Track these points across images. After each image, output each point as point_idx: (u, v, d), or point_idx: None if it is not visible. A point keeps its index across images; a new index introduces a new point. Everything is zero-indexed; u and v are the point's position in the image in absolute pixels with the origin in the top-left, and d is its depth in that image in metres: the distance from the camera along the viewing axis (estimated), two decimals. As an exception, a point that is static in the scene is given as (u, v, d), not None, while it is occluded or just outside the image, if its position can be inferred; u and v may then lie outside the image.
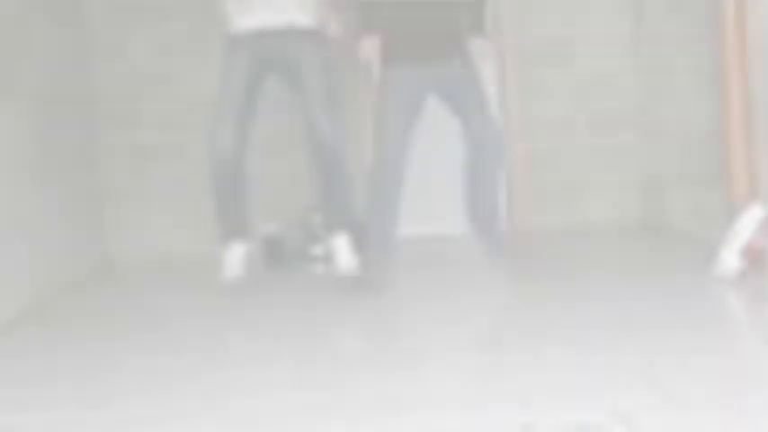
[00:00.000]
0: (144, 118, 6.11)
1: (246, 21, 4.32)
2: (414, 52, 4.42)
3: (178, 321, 4.17)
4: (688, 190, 5.17)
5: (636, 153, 6.12)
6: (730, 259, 3.94)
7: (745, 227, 3.97)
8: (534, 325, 3.53)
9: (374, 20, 4.44)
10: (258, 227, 5.90)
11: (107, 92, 6.06)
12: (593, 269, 4.64)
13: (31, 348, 3.84)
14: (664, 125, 5.55)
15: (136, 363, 3.41)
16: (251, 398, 2.87)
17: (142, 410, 2.81)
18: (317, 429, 2.53)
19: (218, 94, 4.33)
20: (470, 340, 3.42)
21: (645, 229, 5.84)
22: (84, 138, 5.80)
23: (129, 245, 6.10)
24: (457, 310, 4.02)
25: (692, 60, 4.95)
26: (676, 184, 5.38)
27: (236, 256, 4.34)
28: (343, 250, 4.52)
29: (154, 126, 6.10)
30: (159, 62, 6.06)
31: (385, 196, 4.42)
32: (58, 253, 5.04)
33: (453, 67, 4.49)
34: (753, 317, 3.54)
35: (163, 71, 6.06)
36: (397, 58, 4.42)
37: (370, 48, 4.38)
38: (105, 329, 4.10)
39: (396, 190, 4.44)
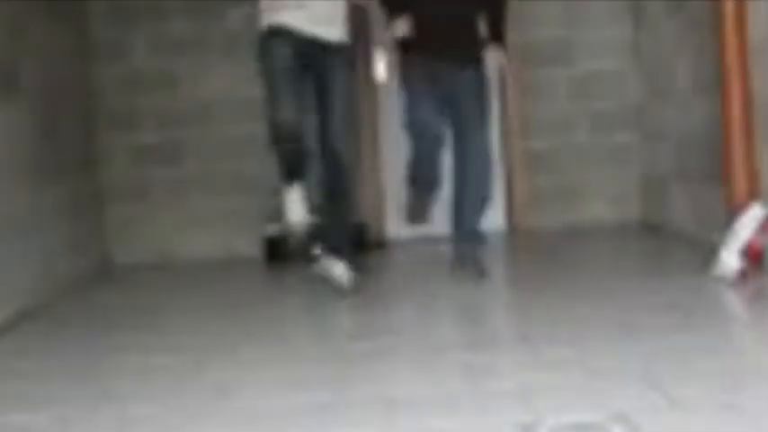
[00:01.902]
0: (144, 118, 6.10)
1: (282, 18, 4.28)
2: (435, 48, 4.43)
3: (178, 321, 4.17)
4: (688, 190, 5.17)
5: (636, 153, 6.11)
6: (730, 259, 3.94)
7: (745, 227, 3.97)
8: (534, 325, 3.53)
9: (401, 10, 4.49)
10: (260, 227, 5.89)
11: (107, 92, 6.06)
12: (592, 269, 4.64)
13: (31, 348, 3.84)
14: (664, 125, 5.55)
15: (136, 362, 3.41)
16: (251, 398, 2.87)
17: (142, 410, 2.81)
18: (317, 429, 2.53)
19: (267, 78, 4.28)
20: (470, 340, 3.42)
21: (645, 229, 5.84)
22: (84, 137, 5.79)
23: (129, 245, 6.09)
24: (457, 310, 4.02)
25: (692, 60, 4.95)
26: (676, 184, 5.38)
27: (296, 198, 4.32)
28: (339, 267, 4.50)
29: (154, 126, 6.10)
30: (159, 62, 6.06)
31: (421, 143, 4.50)
32: (58, 253, 5.04)
33: (467, 76, 4.51)
34: (753, 317, 3.55)
35: (163, 71, 6.06)
36: (418, 48, 4.45)
37: (403, 25, 4.41)
38: (105, 329, 4.10)
39: (432, 137, 4.48)
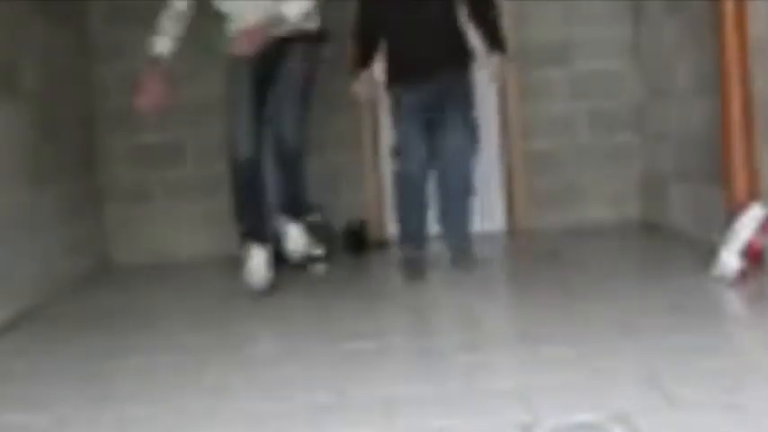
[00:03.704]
0: (144, 118, 6.09)
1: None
2: (417, 71, 4.50)
3: (178, 321, 4.17)
4: (688, 190, 5.17)
5: (636, 153, 6.11)
6: (730, 259, 3.94)
7: (745, 227, 3.96)
8: (534, 325, 3.53)
9: (375, 34, 4.56)
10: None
11: (107, 92, 6.05)
12: (592, 269, 4.64)
13: (30, 348, 3.84)
14: (664, 125, 5.55)
15: (136, 362, 3.41)
16: (251, 398, 2.87)
17: (142, 410, 2.81)
18: (317, 429, 2.53)
19: (229, 97, 4.40)
20: (470, 340, 3.42)
21: (645, 230, 5.84)
22: (84, 138, 5.79)
23: (128, 245, 6.09)
24: (457, 309, 4.02)
25: (692, 60, 4.95)
26: (676, 184, 5.38)
27: (258, 262, 4.37)
28: (293, 233, 4.76)
29: (154, 127, 6.10)
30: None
31: (410, 203, 4.65)
32: (58, 253, 5.04)
33: (452, 82, 4.58)
34: (753, 317, 3.54)
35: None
36: (400, 78, 4.55)
37: (365, 84, 4.58)
38: (105, 329, 4.10)
39: (420, 196, 4.64)
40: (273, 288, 4.45)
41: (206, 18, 4.69)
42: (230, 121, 4.42)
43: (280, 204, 4.79)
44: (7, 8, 4.51)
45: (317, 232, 5.65)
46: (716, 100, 4.47)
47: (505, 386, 2.75)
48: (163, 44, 4.45)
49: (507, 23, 6.10)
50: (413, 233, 4.72)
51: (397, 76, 4.59)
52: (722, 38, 4.22)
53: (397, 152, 4.61)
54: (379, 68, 4.80)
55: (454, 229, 4.75)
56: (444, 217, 4.76)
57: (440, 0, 4.54)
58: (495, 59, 4.53)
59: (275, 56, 4.42)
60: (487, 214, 6.10)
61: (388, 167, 6.14)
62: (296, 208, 4.74)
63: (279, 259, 5.26)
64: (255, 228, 4.45)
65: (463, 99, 4.62)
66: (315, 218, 5.69)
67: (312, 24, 4.54)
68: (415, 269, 4.64)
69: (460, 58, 4.63)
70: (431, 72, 4.50)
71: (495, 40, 4.53)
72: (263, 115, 4.45)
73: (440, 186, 4.69)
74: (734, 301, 3.73)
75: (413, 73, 4.51)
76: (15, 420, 2.81)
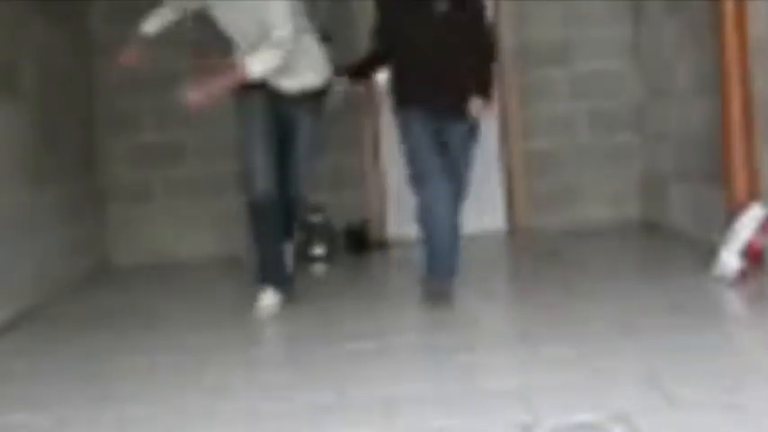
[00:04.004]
0: (144, 119, 6.10)
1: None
2: (425, 100, 4.22)
3: (178, 322, 4.17)
4: (688, 190, 5.17)
5: (636, 153, 6.11)
6: (730, 259, 3.94)
7: (745, 227, 3.96)
8: (534, 325, 3.53)
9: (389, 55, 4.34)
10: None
11: (107, 92, 6.06)
12: (592, 269, 4.64)
13: (30, 348, 3.84)
14: (664, 125, 5.55)
15: (136, 362, 3.41)
16: (251, 398, 2.87)
17: (142, 410, 2.81)
18: (317, 429, 2.53)
19: (244, 131, 4.31)
20: (470, 340, 3.42)
21: (645, 229, 5.84)
22: (84, 138, 5.79)
23: (128, 245, 6.09)
24: (457, 310, 4.02)
25: (692, 60, 4.95)
26: (676, 184, 5.38)
27: (269, 304, 4.27)
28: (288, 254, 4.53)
29: (154, 126, 6.10)
30: (159, 62, 6.05)
31: (441, 237, 4.18)
32: (58, 253, 5.04)
33: (458, 125, 4.28)
34: (753, 317, 3.54)
35: (163, 72, 6.05)
36: (408, 102, 4.26)
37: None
38: (105, 329, 4.10)
39: (450, 228, 4.20)
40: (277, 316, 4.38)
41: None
42: (246, 156, 4.30)
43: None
44: (7, 8, 4.51)
45: (318, 232, 5.66)
46: (716, 100, 4.47)
47: (505, 386, 2.75)
48: (150, 26, 4.52)
49: (507, 23, 6.12)
50: (444, 267, 4.22)
51: (409, 99, 4.27)
52: (722, 38, 4.22)
53: (417, 180, 4.27)
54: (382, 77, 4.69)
55: (439, 269, 4.23)
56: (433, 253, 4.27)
57: (464, 36, 4.27)
58: (479, 102, 4.21)
59: (285, 110, 4.33)
60: (487, 214, 6.10)
61: (387, 168, 6.15)
62: (290, 230, 4.53)
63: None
64: (271, 271, 4.30)
65: (467, 140, 4.35)
66: (316, 218, 5.70)
67: (318, 78, 4.37)
68: (439, 296, 4.18)
69: (463, 104, 4.28)
70: (442, 102, 4.22)
71: (485, 90, 4.26)
72: (276, 151, 4.35)
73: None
74: (734, 301, 3.73)
75: (426, 98, 4.22)
76: (16, 420, 2.81)
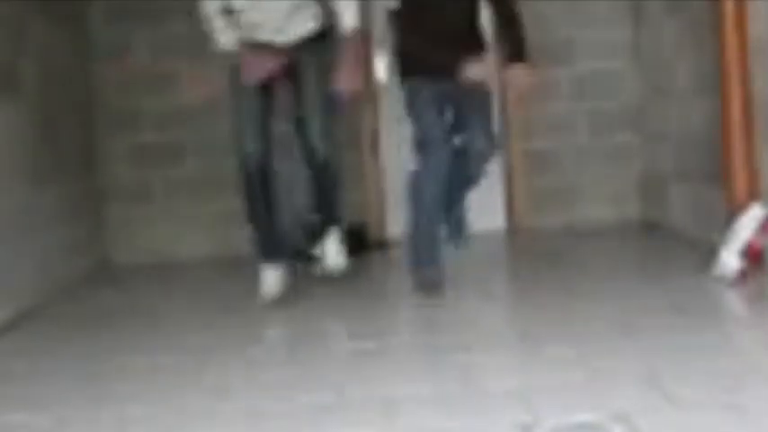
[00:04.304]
0: (144, 118, 6.10)
1: (252, 37, 4.24)
2: (436, 66, 4.23)
3: (178, 321, 4.17)
4: (688, 190, 5.17)
5: (636, 153, 6.11)
6: (730, 259, 3.94)
7: (745, 227, 3.97)
8: (534, 325, 3.53)
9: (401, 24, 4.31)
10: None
11: (107, 92, 6.06)
12: (592, 269, 4.64)
13: (31, 348, 3.84)
14: (664, 125, 5.55)
15: (136, 362, 3.41)
16: (251, 398, 2.87)
17: (142, 410, 2.81)
18: (317, 429, 2.53)
19: (234, 104, 4.29)
20: (470, 340, 3.42)
21: (645, 229, 5.84)
22: (84, 138, 5.79)
23: (128, 245, 6.09)
24: (457, 310, 4.02)
25: (692, 60, 4.95)
26: (676, 184, 5.38)
27: (268, 281, 4.30)
28: (332, 248, 4.47)
29: (154, 126, 6.10)
30: (159, 62, 6.06)
31: (430, 211, 4.30)
32: (58, 253, 5.04)
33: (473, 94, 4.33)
34: (753, 317, 3.54)
35: (163, 71, 6.06)
36: (418, 71, 4.28)
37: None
38: (105, 329, 4.10)
39: (437, 201, 4.29)
40: (283, 299, 4.38)
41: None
42: (236, 123, 4.31)
43: (317, 219, 4.56)
44: (7, 8, 4.51)
45: (316, 232, 5.65)
46: (716, 100, 4.47)
47: (505, 386, 2.75)
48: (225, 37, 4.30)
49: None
50: (427, 246, 4.33)
51: (416, 69, 4.29)
52: (722, 38, 4.22)
53: (422, 146, 4.31)
54: (382, 66, 4.73)
55: (454, 216, 4.62)
56: (448, 206, 4.51)
57: (466, 3, 4.36)
58: (520, 68, 4.28)
59: (292, 59, 4.26)
60: (487, 214, 6.10)
61: (387, 168, 6.15)
62: (333, 219, 4.45)
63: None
64: (266, 246, 4.31)
65: (484, 101, 4.41)
66: (314, 218, 5.69)
67: (313, 24, 4.36)
68: (431, 285, 4.31)
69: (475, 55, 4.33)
70: (454, 69, 4.19)
71: (520, 50, 4.32)
72: (270, 120, 4.32)
73: (453, 180, 4.39)
74: (734, 301, 3.73)
75: (436, 67, 4.23)
76: (16, 420, 2.81)
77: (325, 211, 4.45)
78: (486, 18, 4.66)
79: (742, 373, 2.70)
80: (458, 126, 4.44)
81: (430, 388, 2.81)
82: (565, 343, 3.18)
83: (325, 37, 4.35)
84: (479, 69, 4.18)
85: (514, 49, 4.31)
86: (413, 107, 4.32)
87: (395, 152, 6.05)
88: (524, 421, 2.41)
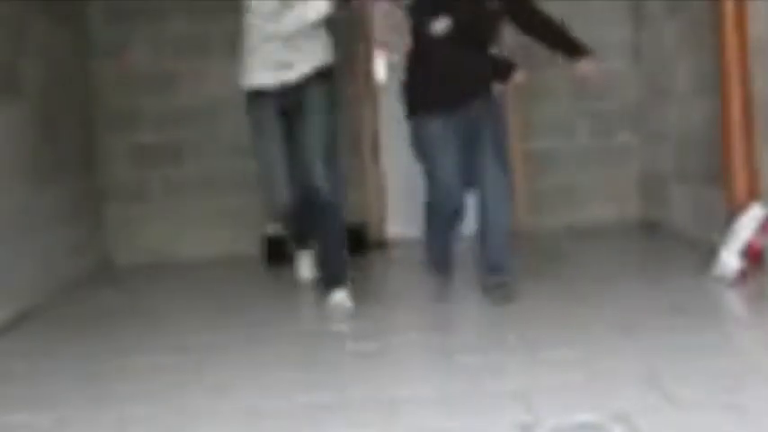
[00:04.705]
0: (144, 118, 6.10)
1: (266, 78, 4.22)
2: (444, 101, 4.10)
3: (178, 321, 4.17)
4: (688, 190, 5.17)
5: (636, 153, 6.11)
6: (730, 259, 3.94)
7: (745, 227, 3.97)
8: (534, 325, 3.53)
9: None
10: (261, 227, 5.89)
11: (107, 92, 6.06)
12: (592, 269, 4.64)
13: (31, 348, 3.84)
14: (664, 125, 5.55)
15: (136, 362, 3.41)
16: (251, 398, 2.87)
17: (142, 410, 2.81)
18: (317, 429, 2.53)
19: (258, 145, 4.28)
20: (470, 340, 3.42)
21: (645, 230, 5.84)
22: (84, 138, 5.79)
23: (128, 245, 6.09)
24: (457, 310, 4.02)
25: (692, 60, 4.95)
26: (676, 184, 5.38)
27: (305, 262, 4.78)
28: (338, 302, 4.23)
29: (154, 126, 6.10)
30: (159, 62, 6.06)
31: (439, 224, 4.36)
32: (58, 253, 5.04)
33: (479, 110, 4.14)
34: (753, 317, 3.55)
35: (163, 71, 6.06)
36: (426, 107, 4.12)
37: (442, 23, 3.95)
38: (105, 329, 4.10)
39: (451, 218, 4.27)
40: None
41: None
42: (262, 168, 4.27)
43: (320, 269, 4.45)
44: (7, 8, 4.51)
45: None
46: (716, 100, 4.47)
47: (506, 387, 2.75)
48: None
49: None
50: (436, 257, 4.49)
51: (424, 105, 4.14)
52: (722, 38, 4.22)
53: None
54: (382, 65, 4.70)
55: (492, 260, 4.15)
56: (482, 245, 4.18)
57: (489, 22, 4.21)
58: (585, 63, 4.24)
59: (294, 98, 4.24)
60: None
61: (387, 168, 6.15)
62: (339, 272, 4.27)
63: (281, 261, 5.26)
64: (299, 236, 4.70)
65: (496, 127, 4.19)
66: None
67: (324, 57, 4.29)
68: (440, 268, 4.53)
69: (490, 83, 4.24)
70: (464, 100, 4.10)
71: (573, 45, 4.29)
72: (290, 156, 4.27)
73: (481, 219, 4.15)
74: (734, 301, 3.74)
75: (446, 101, 4.09)
76: (16, 420, 2.81)
77: (332, 267, 4.27)
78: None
79: (742, 373, 2.70)
80: (470, 156, 4.17)
81: (430, 388, 2.81)
82: (565, 343, 3.18)
83: (330, 74, 4.32)
84: (521, 75, 4.15)
85: (569, 46, 4.29)
86: (420, 148, 4.19)
87: (395, 153, 6.05)
88: (524, 421, 2.41)
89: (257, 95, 4.24)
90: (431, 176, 4.17)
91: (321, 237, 4.29)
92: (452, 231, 4.42)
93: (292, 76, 4.21)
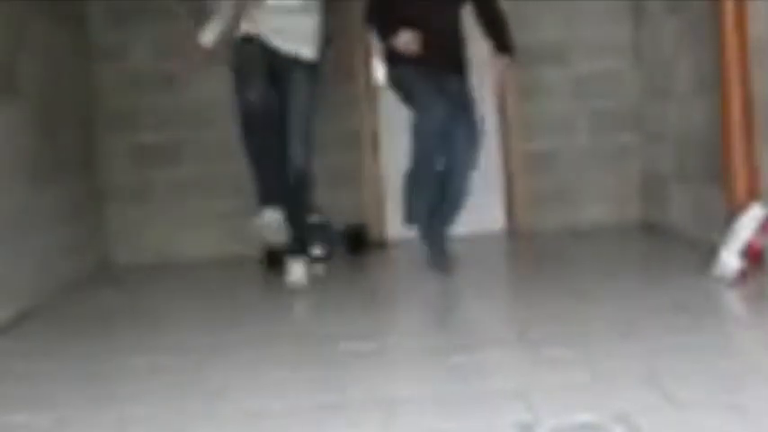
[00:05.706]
0: (144, 118, 6.10)
1: (257, 28, 4.51)
2: (424, 59, 4.52)
3: (178, 322, 4.17)
4: (688, 190, 5.17)
5: (636, 153, 6.11)
6: (730, 259, 3.94)
7: (745, 227, 3.97)
8: (534, 325, 3.53)
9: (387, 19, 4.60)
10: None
11: (107, 92, 6.06)
12: (592, 269, 4.64)
13: (31, 348, 3.84)
14: (664, 125, 5.55)
15: (136, 362, 3.41)
16: (251, 398, 2.87)
17: (142, 411, 2.81)
18: (317, 429, 2.53)
19: (238, 67, 4.50)
20: (470, 340, 3.42)
21: (645, 230, 5.84)
22: (84, 138, 5.79)
23: (129, 245, 6.10)
24: (457, 310, 4.02)
25: (692, 60, 4.95)
26: (676, 184, 5.38)
27: (271, 221, 4.55)
28: (296, 266, 4.73)
29: (154, 126, 6.10)
30: (159, 62, 6.06)
31: (424, 182, 4.63)
32: (58, 253, 5.04)
33: (456, 80, 4.74)
34: (753, 317, 3.54)
35: (163, 72, 6.06)
36: (406, 60, 4.52)
37: (406, 36, 4.44)
38: (105, 329, 4.10)
39: (434, 192, 4.68)
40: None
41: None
42: (237, 81, 4.49)
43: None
44: (7, 8, 4.52)
45: (317, 232, 5.65)
46: (716, 100, 4.47)
47: (505, 386, 2.75)
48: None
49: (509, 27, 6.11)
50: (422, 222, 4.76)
51: (409, 57, 4.51)
52: (722, 38, 4.22)
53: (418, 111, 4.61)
54: (382, 68, 4.83)
55: (439, 230, 4.80)
56: (435, 215, 4.76)
57: (451, 7, 4.69)
58: (501, 61, 4.72)
59: (278, 65, 4.53)
60: (488, 215, 6.11)
61: (388, 169, 6.15)
62: (298, 245, 4.73)
63: (280, 261, 5.26)
64: (268, 188, 4.57)
65: (469, 102, 4.77)
66: (315, 218, 5.69)
67: (310, 51, 4.59)
68: (441, 262, 4.74)
69: (464, 65, 4.79)
70: (445, 69, 4.66)
71: (504, 42, 4.73)
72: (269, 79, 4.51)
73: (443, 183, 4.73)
74: (734, 301, 3.73)
75: (431, 58, 4.53)
76: (16, 421, 2.81)
77: (293, 233, 4.66)
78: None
79: (742, 373, 2.70)
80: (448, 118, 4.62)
81: (430, 388, 2.81)
82: (565, 343, 3.18)
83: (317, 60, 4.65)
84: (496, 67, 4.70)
85: (498, 42, 4.71)
86: (409, 90, 4.59)
87: (394, 153, 6.04)
88: (524, 421, 2.41)
89: (245, 42, 4.50)
90: (418, 106, 4.53)
91: (289, 202, 4.58)
92: (435, 197, 4.69)
93: (282, 44, 4.49)
